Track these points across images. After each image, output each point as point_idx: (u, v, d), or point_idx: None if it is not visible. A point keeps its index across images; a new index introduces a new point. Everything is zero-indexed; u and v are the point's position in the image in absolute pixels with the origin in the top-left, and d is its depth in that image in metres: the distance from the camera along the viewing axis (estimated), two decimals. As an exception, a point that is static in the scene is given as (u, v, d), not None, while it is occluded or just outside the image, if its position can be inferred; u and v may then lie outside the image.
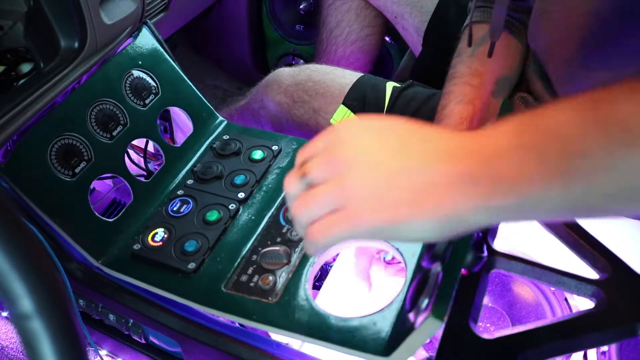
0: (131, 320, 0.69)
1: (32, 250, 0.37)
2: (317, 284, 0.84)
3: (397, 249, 0.63)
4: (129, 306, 0.67)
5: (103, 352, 0.80)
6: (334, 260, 0.80)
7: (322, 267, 0.84)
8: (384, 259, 0.75)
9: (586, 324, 0.54)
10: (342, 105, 0.90)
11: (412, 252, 0.61)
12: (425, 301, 0.49)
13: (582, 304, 0.73)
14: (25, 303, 0.35)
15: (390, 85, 0.91)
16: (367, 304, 0.59)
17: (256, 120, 1.03)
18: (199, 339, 0.63)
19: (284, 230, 0.68)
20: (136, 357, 0.76)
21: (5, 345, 0.99)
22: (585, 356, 0.67)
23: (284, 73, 0.99)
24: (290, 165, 0.78)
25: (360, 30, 1.20)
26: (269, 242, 0.67)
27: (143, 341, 0.71)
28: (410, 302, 0.53)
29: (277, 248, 0.65)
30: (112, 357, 0.81)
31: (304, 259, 0.64)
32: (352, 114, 0.89)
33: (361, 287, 0.74)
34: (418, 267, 0.59)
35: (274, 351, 0.61)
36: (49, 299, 0.36)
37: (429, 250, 0.57)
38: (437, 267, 0.51)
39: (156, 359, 0.75)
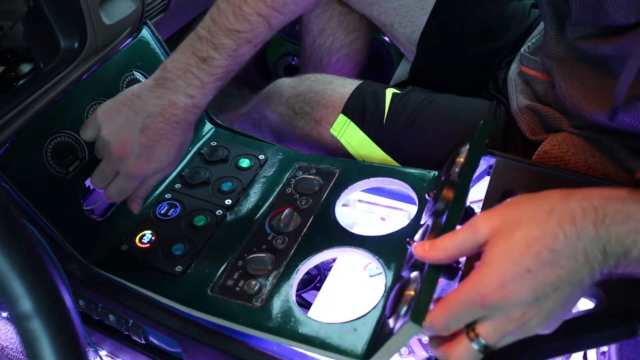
0: (131, 321, 0.69)
1: (32, 251, 0.37)
2: (318, 284, 0.84)
3: (378, 259, 0.65)
4: (128, 306, 0.67)
5: (103, 353, 0.80)
6: (333, 261, 0.80)
7: (320, 269, 0.85)
8: (369, 272, 0.76)
9: (586, 324, 0.54)
10: (341, 115, 0.89)
11: (392, 262, 0.64)
12: (405, 308, 0.51)
13: (582, 304, 0.73)
14: (25, 303, 0.35)
15: (389, 92, 0.90)
16: (359, 309, 0.60)
17: (257, 130, 1.03)
18: (199, 339, 0.63)
19: (269, 237, 0.70)
20: (136, 357, 0.76)
21: (5, 345, 0.99)
22: (585, 356, 0.67)
23: (284, 84, 0.98)
24: (276, 175, 0.79)
25: (344, 37, 1.17)
26: (254, 249, 0.68)
27: (143, 341, 0.71)
28: (390, 308, 0.55)
29: (263, 255, 0.67)
30: (112, 358, 0.81)
31: (289, 266, 0.66)
32: (351, 123, 0.89)
33: (354, 293, 0.74)
34: (398, 276, 0.62)
35: (274, 351, 0.61)
36: (48, 299, 0.36)
37: (409, 260, 0.59)
38: (416, 276, 0.53)
39: None
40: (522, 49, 0.87)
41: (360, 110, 0.89)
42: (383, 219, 0.84)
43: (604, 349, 0.65)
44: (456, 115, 0.87)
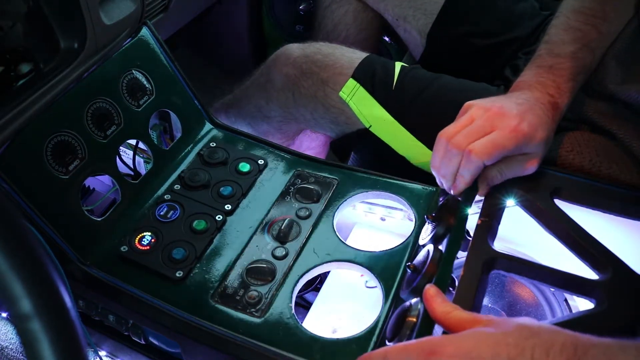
0: (131, 321, 0.69)
1: (32, 251, 0.37)
2: (319, 285, 0.84)
3: (376, 277, 0.67)
4: (128, 307, 0.67)
5: (103, 353, 0.80)
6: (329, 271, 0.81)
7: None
8: (366, 283, 0.77)
9: (586, 324, 0.54)
10: (351, 79, 0.90)
11: (390, 280, 0.66)
12: (407, 332, 0.53)
13: (582, 304, 0.73)
14: (25, 304, 0.35)
15: (399, 65, 0.92)
16: (356, 321, 0.62)
17: (261, 96, 1.04)
18: (199, 339, 0.63)
19: (269, 246, 0.70)
20: (136, 358, 0.76)
21: (5, 345, 0.99)
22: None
23: (293, 47, 1.00)
24: (275, 181, 0.80)
25: (357, 33, 1.19)
26: (254, 257, 0.69)
27: (142, 342, 0.71)
28: (391, 332, 0.57)
29: (263, 265, 0.68)
30: (112, 358, 0.81)
31: (288, 277, 0.67)
32: (361, 87, 0.89)
33: (351, 303, 0.75)
34: (396, 295, 0.64)
35: (274, 352, 0.61)
36: (48, 299, 0.36)
37: (409, 284, 0.61)
38: (417, 303, 0.56)
39: (156, 360, 0.75)
40: None
41: (370, 77, 0.90)
42: (383, 219, 0.84)
43: (604, 349, 0.65)
44: (466, 91, 0.88)
